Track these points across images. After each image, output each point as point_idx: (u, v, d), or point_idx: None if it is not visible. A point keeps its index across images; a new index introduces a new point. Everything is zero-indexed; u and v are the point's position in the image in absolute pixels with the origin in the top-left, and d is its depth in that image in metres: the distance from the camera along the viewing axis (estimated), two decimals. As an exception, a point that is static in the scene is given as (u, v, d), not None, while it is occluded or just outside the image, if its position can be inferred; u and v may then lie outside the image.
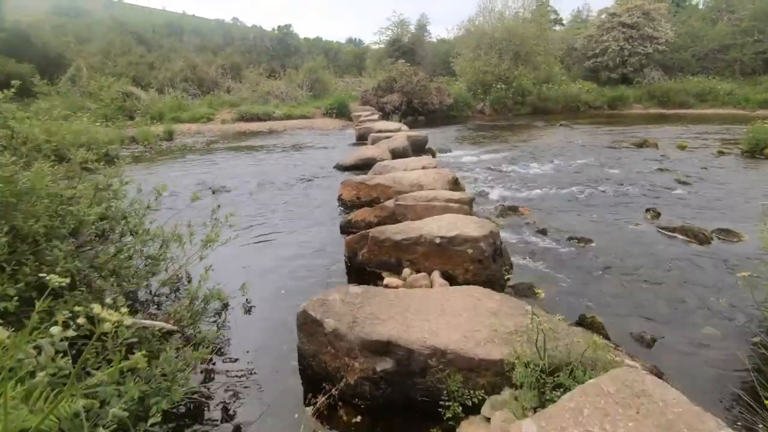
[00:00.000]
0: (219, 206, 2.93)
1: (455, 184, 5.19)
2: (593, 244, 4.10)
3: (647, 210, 5.01)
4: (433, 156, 9.12)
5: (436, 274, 3.01)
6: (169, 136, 12.82)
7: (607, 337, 2.52)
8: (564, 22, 34.56)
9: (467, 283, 3.00)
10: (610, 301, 3.08)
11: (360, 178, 5.23)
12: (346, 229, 4.33)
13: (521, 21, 20.39)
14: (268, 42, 28.25)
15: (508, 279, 3.40)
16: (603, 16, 22.27)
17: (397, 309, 2.12)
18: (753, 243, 4.08)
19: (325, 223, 4.64)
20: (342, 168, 7.33)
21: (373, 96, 17.94)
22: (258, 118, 16.61)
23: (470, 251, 2.94)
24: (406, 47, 29.15)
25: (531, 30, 19.52)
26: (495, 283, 3.03)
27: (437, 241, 3.02)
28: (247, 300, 2.99)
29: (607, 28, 21.82)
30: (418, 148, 9.16)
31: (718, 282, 3.34)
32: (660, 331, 2.70)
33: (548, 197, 5.82)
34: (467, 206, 4.06)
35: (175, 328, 2.12)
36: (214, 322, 2.65)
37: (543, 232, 4.39)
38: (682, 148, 9.44)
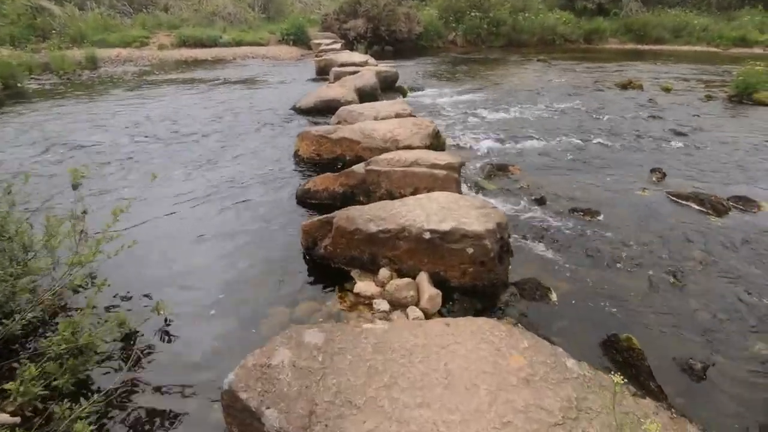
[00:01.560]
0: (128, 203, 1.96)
1: (436, 138, 4.32)
2: (601, 218, 3.47)
3: (652, 170, 4.40)
4: (404, 95, 8.08)
5: (423, 279, 2.27)
6: (93, 63, 10.82)
7: (650, 373, 1.92)
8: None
9: (463, 289, 2.29)
10: (637, 304, 2.48)
11: (321, 129, 4.23)
12: (303, 200, 3.45)
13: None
14: (211, -50, 24.26)
15: (509, 268, 2.73)
16: (585, -64, 20.37)
17: (379, 380, 1.37)
18: (774, 214, 3.59)
19: (277, 190, 3.71)
20: (300, 111, 6.20)
21: (334, 21, 15.99)
22: (202, 44, 14.44)
23: (471, 251, 2.19)
24: (370, -36, 26.05)
25: (508, -52, 17.59)
26: (498, 287, 2.34)
27: (426, 236, 2.23)
28: (163, 328, 2.14)
29: (588, -49, 20.08)
30: (388, 85, 8.05)
31: (753, 271, 2.81)
32: (707, 351, 2.15)
33: (539, 151, 5.08)
34: (457, 173, 3.25)
35: (17, 420, 1.29)
36: (107, 374, 1.81)
37: (541, 201, 3.69)
38: (668, 90, 8.84)
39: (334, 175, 3.38)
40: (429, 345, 1.53)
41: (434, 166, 3.26)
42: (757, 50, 16.65)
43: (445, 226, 2.22)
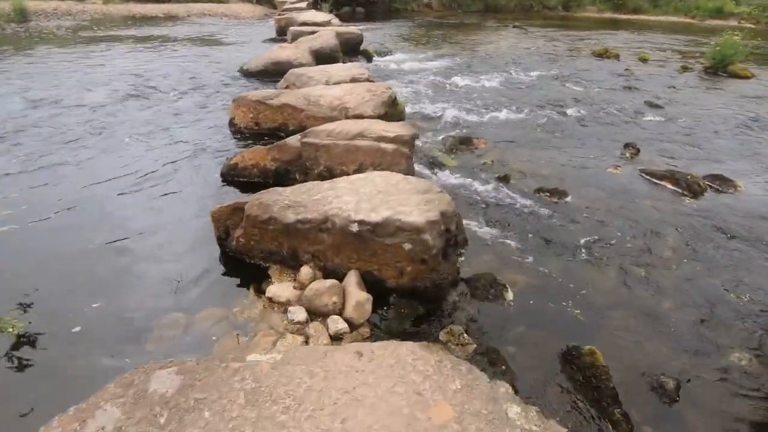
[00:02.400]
0: None
1: (392, 106, 3.83)
2: (568, 199, 3.11)
3: (625, 146, 4.06)
4: (370, 60, 7.46)
5: (351, 280, 1.85)
6: (22, 16, 9.61)
7: (615, 396, 1.59)
8: None
9: (402, 290, 1.89)
10: (603, 304, 2.15)
11: (259, 94, 3.67)
12: (230, 177, 2.94)
13: None
14: None
15: (461, 260, 2.35)
16: None
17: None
18: (752, 195, 3.32)
19: (203, 166, 3.17)
20: (248, 74, 5.55)
21: (301, -22, 14.79)
22: (155, -1, 13.15)
23: (408, 247, 1.78)
24: None
25: None
26: (444, 287, 1.95)
27: (354, 228, 1.80)
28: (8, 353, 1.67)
29: None
30: (351, 48, 7.39)
31: (730, 262, 2.52)
32: (680, 363, 1.84)
33: (507, 123, 4.67)
34: (408, 148, 2.80)
35: None
36: None
37: (505, 179, 3.30)
38: (644, 60, 8.50)
39: (265, 149, 2.87)
40: (327, 389, 1.13)
41: (381, 139, 2.79)
42: (732, 22, 16.49)
43: (377, 217, 1.79)
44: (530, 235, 2.68)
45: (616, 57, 8.52)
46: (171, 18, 11.33)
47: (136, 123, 3.88)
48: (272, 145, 2.87)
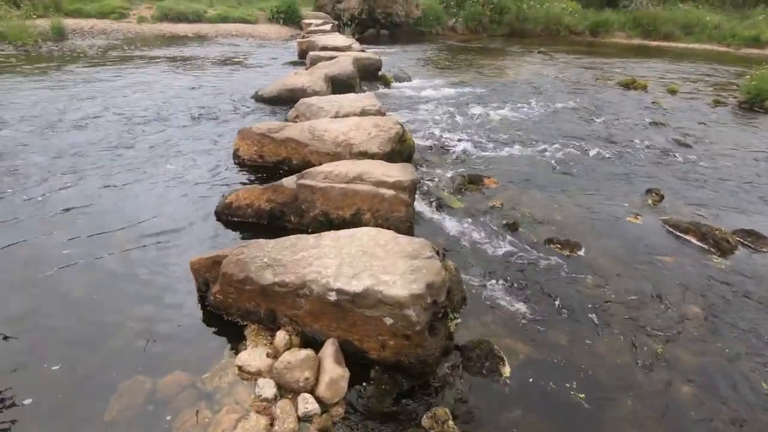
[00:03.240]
0: None
1: (400, 143, 3.71)
2: (581, 253, 2.89)
3: (648, 191, 3.80)
4: (388, 85, 7.42)
5: (328, 352, 1.70)
6: (59, 35, 10.05)
7: None
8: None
9: (385, 364, 1.72)
10: (612, 386, 1.92)
11: (264, 127, 3.61)
12: (225, 216, 2.85)
13: None
14: None
15: (456, 323, 2.17)
16: None
17: None
18: (789, 256, 3.02)
19: (200, 200, 3.10)
20: (262, 100, 5.55)
21: (328, 1, 15.10)
22: (186, 19, 13.61)
23: (389, 321, 1.62)
24: (373, -59, 24.87)
25: (517, -70, 16.62)
26: (430, 363, 1.77)
27: (332, 297, 1.65)
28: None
29: (601, -63, 19.05)
30: (370, 74, 7.38)
31: (762, 340, 2.25)
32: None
33: (522, 159, 4.47)
34: (407, 194, 2.66)
35: None
36: None
37: (513, 226, 3.10)
38: (673, 92, 8.18)
39: (260, 189, 2.78)
40: None
41: (381, 184, 2.66)
42: (771, 51, 15.90)
43: (357, 286, 1.64)
44: (536, 295, 2.47)
45: (644, 88, 8.23)
46: (199, 38, 11.67)
47: (138, 151, 3.86)
48: (268, 186, 2.77)
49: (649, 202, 3.68)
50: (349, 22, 13.64)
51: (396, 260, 1.78)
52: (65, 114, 4.71)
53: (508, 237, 3.00)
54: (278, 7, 14.36)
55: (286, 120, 4.59)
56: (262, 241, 2.02)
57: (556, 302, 2.43)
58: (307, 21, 13.44)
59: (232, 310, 1.95)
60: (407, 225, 2.66)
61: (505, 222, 3.16)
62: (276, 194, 2.73)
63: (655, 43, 17.20)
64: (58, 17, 11.20)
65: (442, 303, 1.75)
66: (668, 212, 3.53)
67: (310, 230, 2.73)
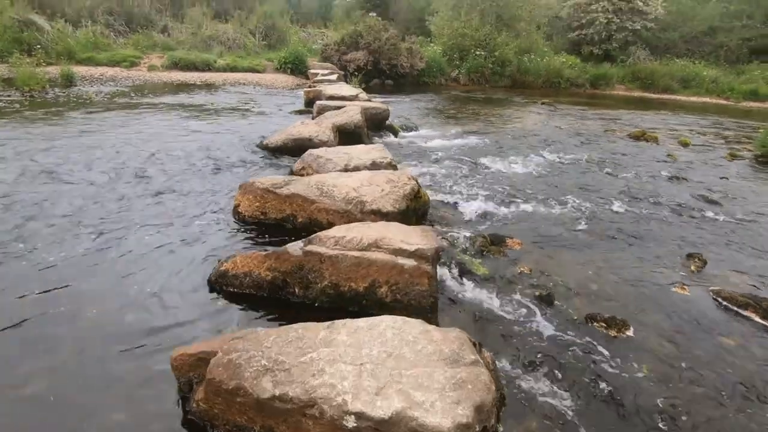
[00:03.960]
0: None
1: (415, 200, 3.41)
2: (630, 334, 2.49)
3: (689, 256, 3.45)
4: (395, 135, 7.27)
5: (343, 496, 1.27)
6: (68, 81, 10.13)
7: None
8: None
9: None
10: None
11: (268, 181, 3.32)
12: (218, 286, 2.48)
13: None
14: (220, -23, 24.34)
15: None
16: (594, -16, 20.33)
17: None
18: None
19: (194, 267, 2.73)
20: (267, 149, 5.34)
21: (335, 52, 15.52)
22: (195, 67, 13.89)
23: (426, 459, 1.21)
24: (379, 0, 26.16)
25: (516, -10, 17.40)
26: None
27: (349, 424, 1.26)
28: None
29: (596, -3, 19.97)
30: (378, 124, 7.26)
31: None
32: None
33: (543, 217, 4.16)
34: (430, 264, 2.30)
35: None
36: None
37: (548, 299, 2.72)
38: (686, 145, 8.05)
39: (261, 255, 2.43)
40: None
41: (399, 252, 2.31)
42: (770, 104, 16.13)
43: (384, 409, 1.24)
44: (585, 390, 2.05)
45: (655, 140, 8.10)
46: (207, 86, 11.79)
47: (127, 206, 3.54)
48: (269, 252, 2.43)
49: (692, 268, 3.32)
50: (356, 73, 13.87)
51: (431, 368, 1.39)
52: (51, 163, 4.45)
53: (544, 312, 2.61)
54: (286, 58, 14.71)
55: (292, 172, 4.33)
56: (260, 332, 1.64)
57: (610, 400, 2.01)
58: (313, 71, 13.70)
59: (218, 423, 1.53)
60: (430, 301, 2.29)
61: (537, 293, 2.78)
62: (279, 262, 2.38)
63: (655, 96, 17.52)
64: (69, 65, 11.39)
65: (492, 428, 1.35)
66: (715, 281, 3.16)
67: (317, 304, 2.36)
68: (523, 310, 2.61)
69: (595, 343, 2.39)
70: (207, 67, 14.01)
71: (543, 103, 12.94)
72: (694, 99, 17.12)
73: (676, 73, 18.09)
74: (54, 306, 2.29)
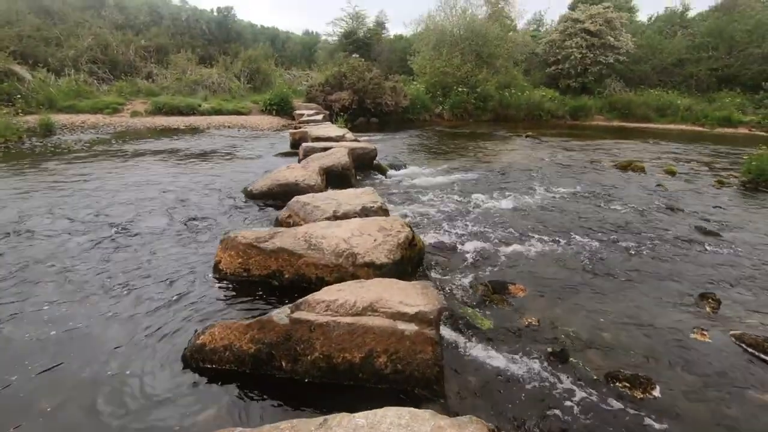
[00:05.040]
0: None
1: (410, 248, 3.19)
2: (656, 394, 2.24)
3: (702, 296, 3.27)
4: (384, 174, 7.16)
5: None
6: (47, 130, 9.92)
7: None
8: (518, 28, 33.61)
9: None
10: None
11: (251, 236, 3.08)
12: (194, 362, 2.19)
13: (484, 20, 18.95)
14: (204, 24, 24.93)
15: None
16: (566, 22, 21.31)
17: None
18: None
19: (166, 341, 2.43)
20: (252, 196, 5.12)
21: (320, 92, 15.70)
22: (179, 112, 13.85)
23: None
24: (361, 42, 26.97)
25: (494, 30, 18.07)
26: None
27: None
28: None
29: (569, 34, 20.86)
30: (366, 163, 7.15)
31: None
32: None
33: (542, 258, 3.97)
34: (433, 328, 2.06)
35: None
36: None
37: (562, 356, 2.48)
38: (672, 173, 8.09)
39: (242, 325, 2.16)
40: None
41: (398, 316, 2.07)
42: (742, 130, 16.66)
43: None
44: (620, 471, 1.78)
45: (642, 170, 8.13)
46: (191, 130, 11.68)
47: (93, 268, 3.22)
48: (252, 321, 2.16)
49: (707, 309, 3.13)
50: (341, 113, 13.98)
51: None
52: (13, 221, 4.16)
53: (560, 372, 2.36)
54: (271, 99, 14.81)
55: (278, 220, 4.10)
56: (238, 434, 1.36)
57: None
58: (299, 111, 13.75)
59: None
60: (435, 370, 2.03)
61: (550, 349, 2.53)
62: (263, 332, 2.11)
63: (633, 125, 18.00)
64: (49, 113, 11.22)
65: None
66: (734, 323, 2.96)
67: (307, 380, 2.08)
68: (537, 371, 2.36)
69: (620, 407, 2.14)
70: (192, 111, 13.99)
71: (527, 136, 13.12)
72: (671, 126, 17.62)
73: (652, 103, 18.72)
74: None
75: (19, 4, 17.90)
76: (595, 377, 2.34)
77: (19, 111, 10.93)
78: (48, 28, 17.73)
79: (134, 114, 13.25)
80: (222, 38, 25.19)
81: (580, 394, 2.21)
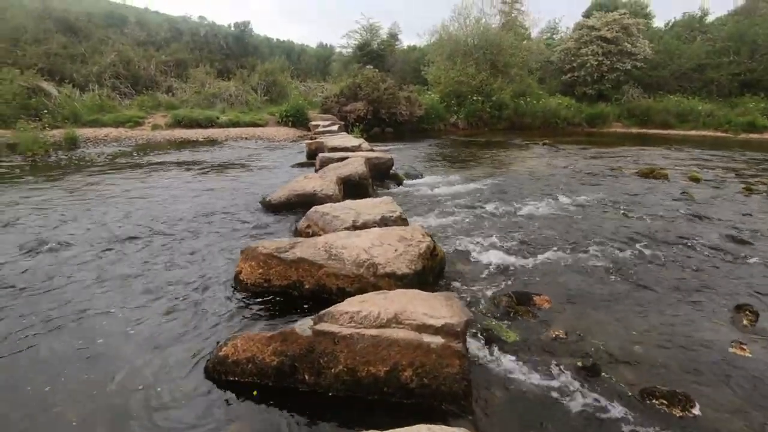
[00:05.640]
0: None
1: (431, 259, 3.14)
2: (696, 412, 2.13)
3: (738, 308, 3.12)
4: (400, 184, 7.13)
5: None
6: (72, 144, 10.20)
7: None
8: (531, 37, 33.56)
9: None
10: None
11: (272, 246, 3.07)
12: (216, 375, 2.16)
13: (498, 29, 18.97)
14: (222, 39, 25.54)
15: None
16: (581, 30, 21.17)
17: None
18: None
19: (188, 354, 2.42)
20: (269, 206, 5.14)
21: (335, 104, 15.85)
22: (198, 124, 14.13)
23: None
24: (375, 53, 27.25)
25: (509, 39, 18.05)
26: None
27: None
28: None
29: (585, 42, 20.70)
30: (382, 173, 7.14)
31: None
32: None
33: (567, 268, 3.86)
34: (460, 342, 2.00)
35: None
36: None
37: (593, 370, 2.38)
38: (697, 180, 7.86)
39: (265, 337, 2.13)
40: None
41: (424, 328, 2.02)
42: (768, 135, 16.19)
43: None
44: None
45: (665, 177, 7.93)
46: (210, 142, 11.88)
47: (114, 280, 3.23)
48: (275, 332, 2.13)
49: (744, 322, 2.98)
50: (357, 123, 14.06)
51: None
52: (36, 231, 4.24)
53: (591, 388, 2.26)
54: (287, 111, 15.01)
55: (297, 230, 4.10)
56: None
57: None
58: (314, 122, 13.90)
59: None
60: (463, 385, 1.96)
61: (580, 363, 2.44)
62: (285, 344, 2.08)
63: (652, 131, 17.67)
64: (74, 127, 11.56)
65: None
66: (774, 336, 2.82)
67: (330, 393, 2.04)
68: (568, 386, 2.26)
69: (658, 426, 2.03)
70: (210, 123, 14.26)
71: (544, 144, 12.97)
72: (692, 133, 17.23)
73: (672, 109, 18.35)
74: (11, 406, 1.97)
75: (47, 23, 18.58)
76: (629, 393, 2.24)
77: (46, 125, 11.30)
78: (74, 45, 18.40)
79: (155, 127, 13.57)
80: (239, 52, 25.75)
81: (614, 411, 2.11)
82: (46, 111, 12.58)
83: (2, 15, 17.92)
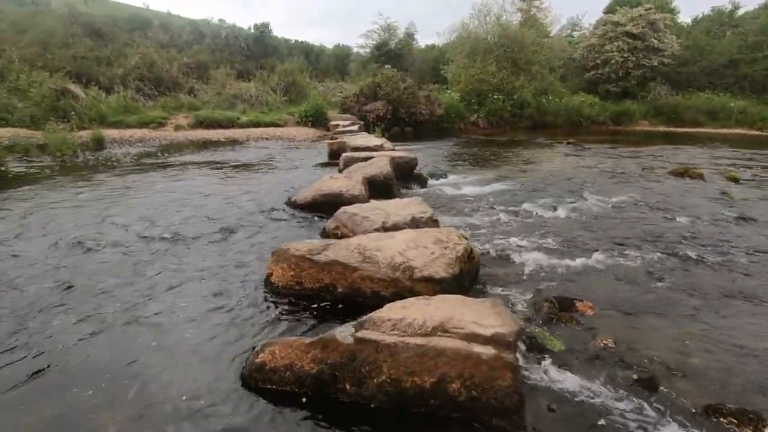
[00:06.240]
0: None
1: (469, 262, 3.01)
2: (771, 432, 1.95)
3: (801, 318, 2.91)
4: (424, 184, 7.00)
5: None
6: (98, 144, 10.37)
7: None
8: (551, 34, 32.85)
9: None
10: None
11: (304, 248, 2.98)
12: (253, 382, 2.08)
13: (519, 26, 18.64)
14: (242, 41, 25.81)
15: None
16: (606, 26, 20.63)
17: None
18: None
19: (228, 353, 2.35)
20: (296, 206, 5.08)
21: (354, 103, 15.80)
22: (219, 125, 14.25)
23: None
24: (393, 53, 27.15)
25: (530, 36, 17.72)
26: None
27: None
28: None
29: (609, 38, 20.17)
30: (406, 173, 7.02)
31: None
32: None
33: (608, 271, 3.68)
34: (511, 352, 1.87)
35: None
36: None
37: (651, 384, 2.22)
38: (735, 181, 7.51)
39: (304, 344, 2.04)
40: None
41: (473, 337, 1.89)
42: (807, 133, 15.48)
43: None
44: None
45: (701, 177, 7.59)
46: (231, 142, 11.95)
47: (143, 281, 3.21)
48: (314, 339, 2.03)
49: (810, 333, 2.77)
50: (378, 122, 13.96)
51: None
52: (65, 231, 4.25)
53: (650, 403, 2.10)
54: (307, 111, 15.01)
55: (325, 231, 4.02)
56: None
57: None
58: (334, 122, 13.87)
59: None
60: (515, 399, 1.84)
61: (635, 376, 2.28)
62: (325, 352, 1.98)
63: (681, 130, 17.09)
64: (100, 128, 11.78)
65: None
66: None
67: (373, 405, 1.93)
68: (624, 401, 2.11)
69: (729, 448, 1.86)
70: (231, 123, 14.37)
71: (569, 143, 12.64)
72: (724, 131, 16.60)
73: (701, 106, 17.74)
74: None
75: (74, 27, 19.06)
76: (693, 410, 2.07)
77: (74, 126, 11.54)
78: (99, 48, 18.83)
79: (177, 128, 13.73)
80: (259, 53, 26.00)
81: (678, 429, 1.95)
82: (73, 112, 12.85)
83: (33, 20, 18.46)
